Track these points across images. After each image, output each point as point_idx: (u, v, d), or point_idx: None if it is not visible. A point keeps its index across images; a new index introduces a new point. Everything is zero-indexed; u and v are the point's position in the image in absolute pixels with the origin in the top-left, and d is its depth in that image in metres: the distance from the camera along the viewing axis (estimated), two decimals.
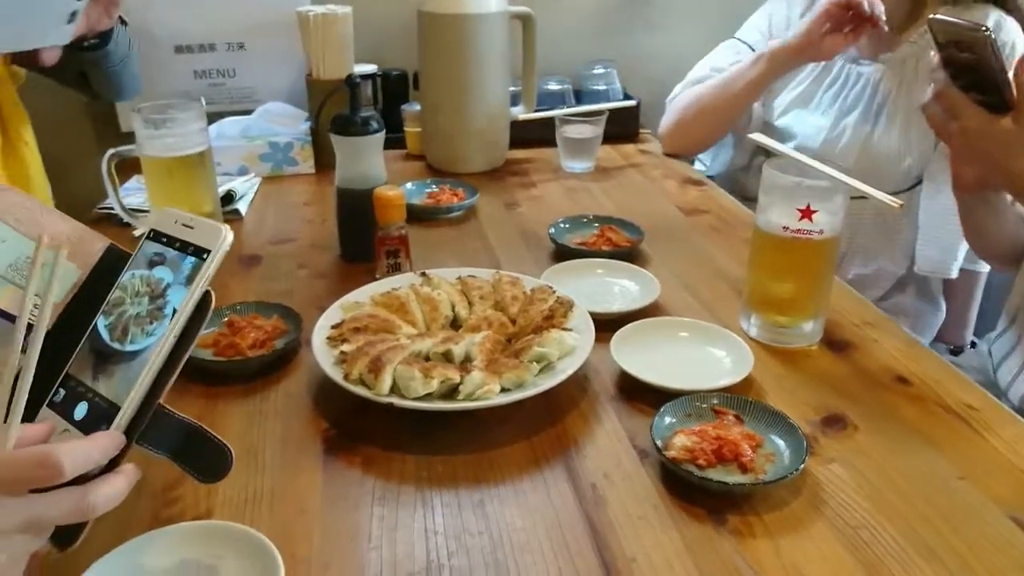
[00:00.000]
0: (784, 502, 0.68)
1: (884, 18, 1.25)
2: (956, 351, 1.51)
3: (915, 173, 1.36)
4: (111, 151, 1.07)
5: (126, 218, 1.13)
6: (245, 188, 1.38)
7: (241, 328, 0.89)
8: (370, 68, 1.63)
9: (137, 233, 1.17)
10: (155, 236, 0.56)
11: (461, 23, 1.39)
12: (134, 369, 0.52)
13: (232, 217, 1.28)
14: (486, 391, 0.75)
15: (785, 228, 0.86)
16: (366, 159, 1.08)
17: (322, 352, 0.82)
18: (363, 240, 1.07)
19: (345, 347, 0.81)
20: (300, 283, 1.08)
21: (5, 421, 0.50)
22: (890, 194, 0.87)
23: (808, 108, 1.43)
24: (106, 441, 0.50)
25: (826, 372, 0.87)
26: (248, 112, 1.55)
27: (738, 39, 1.52)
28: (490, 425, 0.77)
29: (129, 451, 0.52)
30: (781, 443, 0.73)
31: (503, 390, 0.77)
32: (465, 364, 0.80)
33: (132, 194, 1.30)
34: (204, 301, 0.54)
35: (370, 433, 0.76)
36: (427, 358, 0.81)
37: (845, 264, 1.43)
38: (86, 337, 0.55)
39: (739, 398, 0.77)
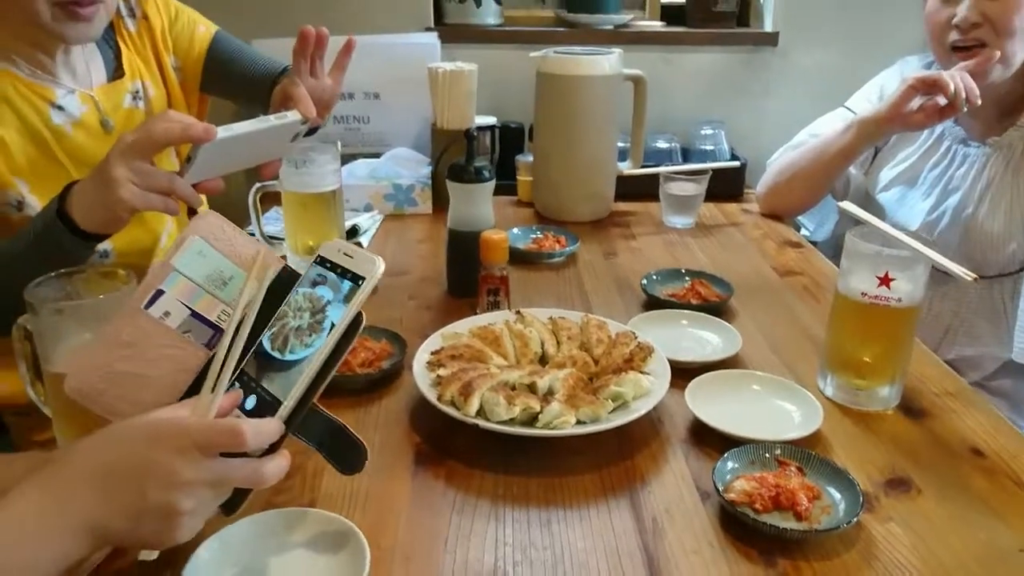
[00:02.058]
0: (835, 552, 0.71)
1: (965, 108, 1.25)
2: None
3: (1020, 257, 1.34)
4: (258, 184, 1.22)
5: (263, 243, 1.28)
6: (369, 223, 1.52)
7: (354, 348, 1.00)
8: (490, 120, 1.75)
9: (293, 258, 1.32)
10: (320, 261, 0.68)
11: (576, 83, 1.49)
12: (295, 372, 0.64)
13: None
14: (562, 421, 0.82)
15: (864, 294, 0.90)
16: (476, 204, 1.19)
17: (421, 374, 0.91)
18: (468, 277, 1.17)
19: (441, 371, 0.91)
20: (409, 312, 1.19)
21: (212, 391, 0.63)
22: (992, 278, 0.88)
23: (912, 187, 1.44)
24: (273, 426, 0.62)
25: (898, 436, 0.89)
26: (378, 155, 1.71)
27: (847, 107, 1.55)
28: (564, 454, 0.84)
29: (286, 439, 0.63)
30: (839, 497, 0.76)
31: (579, 422, 0.84)
32: (547, 396, 0.87)
33: (271, 223, 1.46)
34: (356, 320, 0.65)
35: (456, 450, 0.85)
36: (513, 387, 0.88)
37: (947, 343, 1.42)
38: (257, 343, 0.66)
39: (802, 451, 0.81)
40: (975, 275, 0.87)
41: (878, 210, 1.48)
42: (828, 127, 1.52)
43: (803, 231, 1.68)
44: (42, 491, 0.57)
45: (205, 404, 0.62)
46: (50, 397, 0.79)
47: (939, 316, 1.42)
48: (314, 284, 0.67)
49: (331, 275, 0.67)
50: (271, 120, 0.92)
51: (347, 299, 0.65)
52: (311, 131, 1.25)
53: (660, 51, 1.92)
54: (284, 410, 0.63)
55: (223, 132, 0.86)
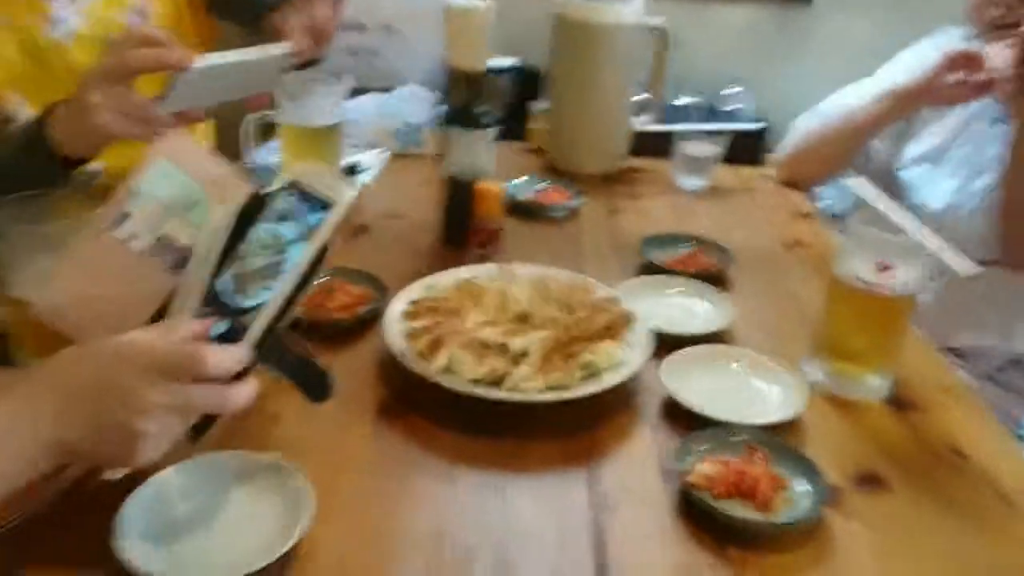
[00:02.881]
0: (789, 547, 0.69)
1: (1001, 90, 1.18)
2: None
3: None
4: (250, 116, 1.19)
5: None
6: (373, 162, 1.48)
7: (333, 291, 0.98)
8: (509, 62, 1.70)
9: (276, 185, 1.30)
10: (291, 186, 0.65)
11: (594, 31, 1.43)
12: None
13: None
14: (529, 386, 0.80)
15: (860, 279, 0.86)
16: (474, 152, 1.15)
17: (393, 325, 0.89)
18: (461, 227, 1.14)
19: (415, 323, 0.88)
20: (398, 258, 1.16)
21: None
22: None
23: (938, 164, 1.38)
24: (238, 354, 0.62)
25: (879, 430, 0.86)
26: (387, 91, 1.66)
27: (879, 77, 1.47)
28: (529, 420, 0.82)
29: (253, 369, 0.63)
30: (804, 490, 0.73)
31: (548, 388, 0.81)
32: (519, 357, 0.85)
33: (271, 154, 1.43)
34: (322, 253, 0.64)
35: (419, 405, 0.83)
36: (486, 346, 0.86)
37: (954, 330, 1.37)
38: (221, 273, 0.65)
39: (772, 438, 0.78)
40: (974, 271, 0.83)
41: (901, 186, 1.42)
42: (858, 96, 1.45)
43: (825, 202, 1.62)
44: (9, 401, 0.57)
45: (172, 328, 0.62)
46: (13, 322, 0.78)
47: (948, 302, 1.36)
48: (280, 219, 0.65)
49: (300, 206, 0.65)
50: (253, 52, 0.88)
51: (312, 234, 0.63)
52: (312, 63, 1.22)
53: (687, 3, 1.84)
54: (250, 338, 0.62)
55: (200, 62, 0.82)
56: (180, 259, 0.68)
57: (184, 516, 0.66)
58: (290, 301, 0.64)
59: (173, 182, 0.68)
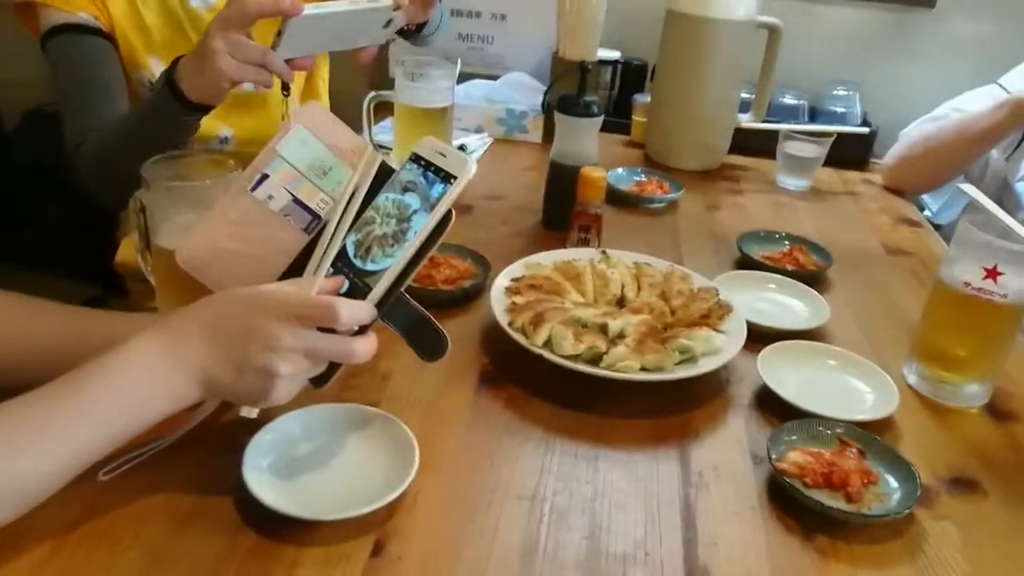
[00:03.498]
0: (879, 540, 0.70)
1: None
2: None
3: None
4: (372, 93, 1.25)
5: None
6: (477, 145, 1.53)
7: (439, 264, 1.03)
8: (613, 54, 1.71)
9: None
10: (415, 159, 0.70)
11: (706, 26, 1.44)
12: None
13: None
14: (626, 365, 0.83)
15: (966, 284, 0.85)
16: (581, 139, 1.18)
17: (497, 299, 0.93)
18: (563, 211, 1.17)
19: (517, 299, 0.92)
20: (499, 237, 1.20)
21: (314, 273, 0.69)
22: None
23: None
24: (366, 309, 0.67)
25: (976, 437, 0.85)
26: (495, 77, 1.70)
27: (999, 85, 1.43)
28: (623, 398, 0.84)
29: (374, 324, 0.68)
30: (896, 486, 0.74)
31: (643, 369, 0.84)
32: (616, 339, 0.88)
33: (384, 132, 1.49)
34: (446, 218, 0.68)
35: (519, 376, 0.87)
36: (584, 325, 0.89)
37: None
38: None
39: (867, 434, 0.79)
40: None
41: (1015, 200, 1.38)
42: (975, 103, 1.41)
43: (926, 212, 1.58)
44: (160, 336, 0.63)
45: (308, 283, 0.68)
46: (156, 269, 0.86)
47: None
48: (404, 190, 0.70)
49: (422, 179, 0.69)
50: (361, 3, 0.94)
51: (434, 206, 0.67)
52: (419, 28, 1.26)
53: (804, 1, 1.81)
54: (373, 296, 0.68)
55: (311, 9, 0.89)
56: (311, 222, 0.73)
57: (302, 459, 0.71)
58: (411, 266, 0.69)
59: (309, 149, 0.73)
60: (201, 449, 0.72)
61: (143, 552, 0.62)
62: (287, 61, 0.94)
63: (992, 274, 0.83)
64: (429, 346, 0.71)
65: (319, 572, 0.62)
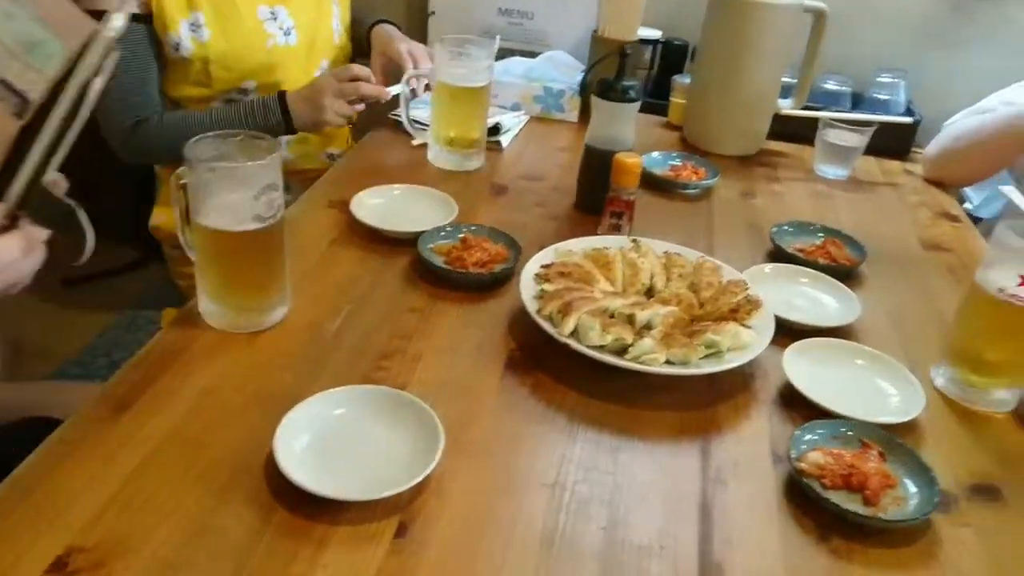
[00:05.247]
0: (895, 544, 0.71)
1: None
2: None
3: None
4: (412, 71, 1.26)
5: (408, 127, 1.33)
6: (513, 123, 1.53)
7: (471, 246, 1.04)
8: (654, 34, 1.69)
9: (416, 142, 1.38)
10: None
11: (750, 9, 1.41)
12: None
13: (494, 147, 1.44)
14: (652, 358, 0.84)
15: (1001, 290, 0.84)
16: (618, 124, 1.18)
17: (527, 285, 0.94)
18: (597, 195, 1.17)
19: (547, 286, 0.93)
20: (534, 219, 1.21)
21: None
22: None
23: None
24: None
25: (1001, 443, 0.85)
26: (535, 54, 1.70)
27: None
28: (648, 390, 0.86)
29: (21, 217, 0.66)
30: (915, 491, 0.74)
31: (668, 362, 0.85)
32: (643, 330, 0.88)
33: (419, 107, 1.50)
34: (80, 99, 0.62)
35: (546, 362, 0.88)
36: (612, 315, 0.90)
37: None
38: None
39: (889, 437, 0.79)
40: None
41: None
42: (1022, 98, 1.38)
43: (967, 204, 1.55)
44: None
45: None
46: (197, 244, 0.88)
47: None
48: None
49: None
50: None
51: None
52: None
53: None
54: (11, 194, 0.63)
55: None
56: (19, 103, 0.64)
57: (332, 438, 0.73)
58: (51, 151, 0.63)
59: (15, 23, 0.63)
60: (234, 425, 0.75)
61: (181, 524, 0.65)
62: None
63: None
64: (73, 241, 0.68)
65: (345, 551, 0.64)
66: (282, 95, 1.32)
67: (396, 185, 1.19)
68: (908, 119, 1.56)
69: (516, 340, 0.92)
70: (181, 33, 1.28)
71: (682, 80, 1.63)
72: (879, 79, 1.66)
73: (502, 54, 1.59)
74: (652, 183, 1.35)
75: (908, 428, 0.84)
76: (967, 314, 0.91)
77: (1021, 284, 0.82)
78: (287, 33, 1.38)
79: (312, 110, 1.30)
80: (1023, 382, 0.89)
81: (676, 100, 1.64)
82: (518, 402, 0.83)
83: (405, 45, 1.43)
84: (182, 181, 0.85)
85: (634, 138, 1.19)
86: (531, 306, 0.90)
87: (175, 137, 1.11)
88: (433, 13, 1.62)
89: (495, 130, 1.45)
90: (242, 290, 0.88)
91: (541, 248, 1.03)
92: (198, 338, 0.87)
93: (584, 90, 1.57)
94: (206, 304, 0.88)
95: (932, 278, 1.18)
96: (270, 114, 1.32)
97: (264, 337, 0.88)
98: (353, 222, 1.10)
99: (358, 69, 1.30)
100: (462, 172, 1.33)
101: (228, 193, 0.83)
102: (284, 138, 1.40)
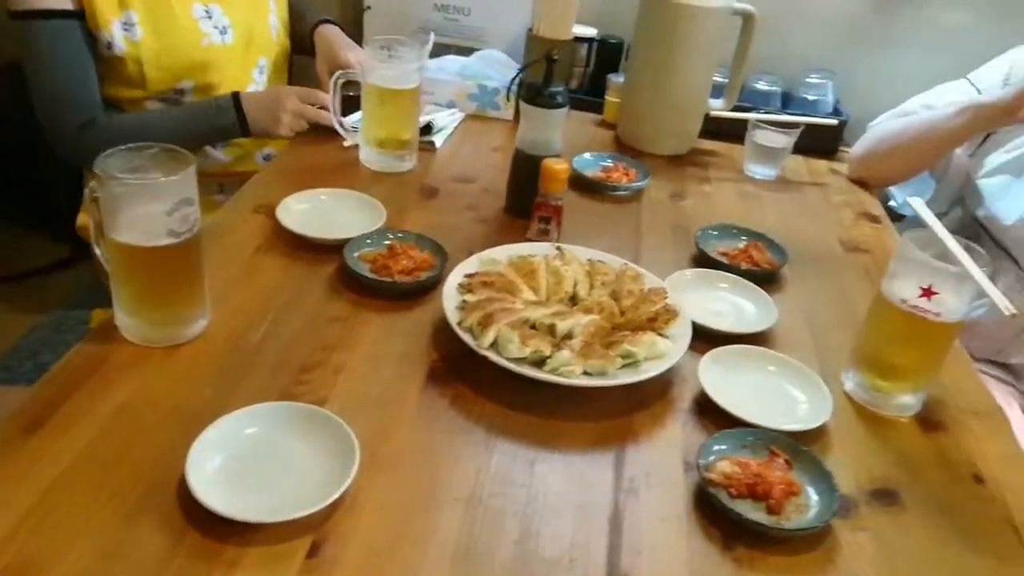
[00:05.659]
0: (795, 551, 0.73)
1: None
2: None
3: None
4: (339, 73, 1.25)
5: (339, 130, 1.33)
6: (448, 121, 1.53)
7: (397, 254, 1.04)
8: (590, 31, 1.70)
9: (347, 144, 1.37)
10: None
11: (680, 11, 1.43)
12: None
13: (427, 147, 1.44)
14: (569, 370, 0.85)
15: (903, 301, 0.87)
16: (546, 129, 1.18)
17: (450, 296, 0.95)
18: (526, 199, 1.18)
19: (468, 297, 0.94)
20: (464, 222, 1.21)
21: None
22: None
23: (1019, 177, 1.35)
24: None
25: (903, 447, 0.89)
26: (472, 51, 1.69)
27: (969, 80, 1.44)
28: (566, 401, 0.87)
29: None
30: (817, 498, 0.77)
31: (586, 373, 0.86)
32: (564, 340, 0.90)
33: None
34: None
35: (467, 374, 0.89)
36: (533, 326, 0.91)
37: (1015, 346, 1.36)
38: None
39: (795, 444, 0.82)
40: (1014, 311, 0.83)
41: (978, 195, 1.40)
42: (943, 100, 1.42)
43: (891, 202, 1.60)
44: None
45: None
46: (110, 258, 0.87)
47: (1003, 319, 1.35)
48: None
49: None
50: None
51: None
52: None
53: None
54: None
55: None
56: None
57: (245, 458, 0.73)
58: None
59: None
60: (149, 443, 0.75)
61: (92, 546, 0.65)
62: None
63: (927, 293, 0.85)
64: None
65: (257, 572, 0.65)
66: (236, 96, 1.31)
67: (323, 190, 1.19)
68: (833, 121, 1.60)
69: (439, 351, 0.93)
70: (113, 32, 1.26)
71: (616, 79, 1.65)
72: (808, 79, 1.69)
73: (438, 50, 1.59)
74: (583, 185, 1.36)
75: (816, 434, 0.87)
76: (874, 321, 0.94)
77: (922, 296, 0.85)
78: (223, 32, 1.35)
79: (268, 119, 1.32)
80: (926, 387, 0.93)
81: (611, 99, 1.65)
82: (438, 415, 0.84)
83: (354, 55, 1.42)
84: (95, 195, 0.84)
85: (562, 143, 1.20)
86: (452, 317, 0.91)
87: (130, 140, 1.09)
88: (369, 7, 1.60)
89: (427, 129, 1.45)
90: (158, 305, 0.87)
91: (469, 254, 1.04)
92: (115, 352, 0.86)
93: (513, 93, 1.57)
94: (122, 318, 0.87)
95: (849, 280, 1.22)
96: (224, 115, 1.31)
97: (183, 350, 0.87)
98: (279, 228, 1.10)
99: (324, 97, 1.33)
100: (394, 173, 1.33)
101: (140, 208, 0.82)
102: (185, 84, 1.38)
